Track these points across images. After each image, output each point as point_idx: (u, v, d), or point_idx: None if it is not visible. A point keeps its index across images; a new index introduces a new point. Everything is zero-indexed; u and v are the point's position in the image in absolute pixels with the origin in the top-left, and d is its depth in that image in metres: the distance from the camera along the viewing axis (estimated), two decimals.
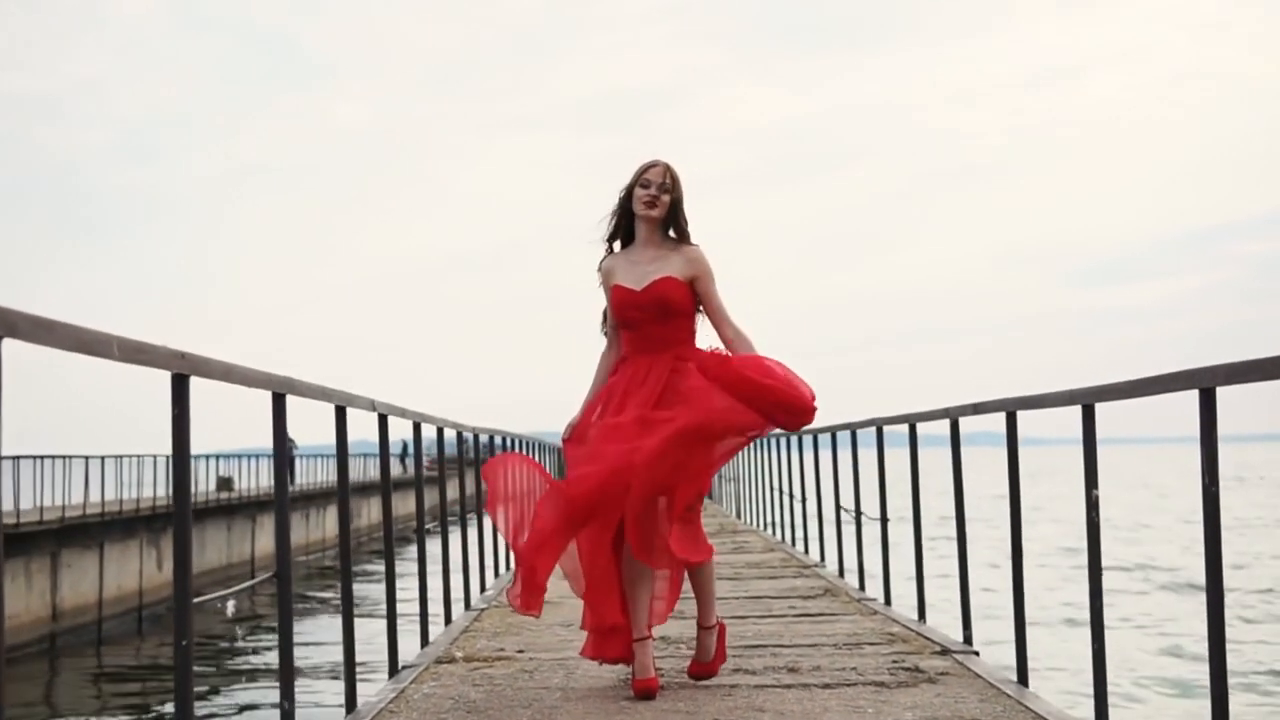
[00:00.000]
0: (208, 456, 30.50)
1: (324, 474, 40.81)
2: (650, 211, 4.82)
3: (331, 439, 5.08)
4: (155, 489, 25.45)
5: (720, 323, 4.88)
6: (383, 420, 5.85)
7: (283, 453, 4.01)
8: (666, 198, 4.83)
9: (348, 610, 4.93)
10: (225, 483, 31.20)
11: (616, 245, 4.98)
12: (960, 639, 6.05)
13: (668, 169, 4.85)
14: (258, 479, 34.38)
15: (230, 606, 22.02)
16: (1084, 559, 4.53)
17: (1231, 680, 3.49)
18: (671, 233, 4.90)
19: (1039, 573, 23.11)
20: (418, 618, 6.89)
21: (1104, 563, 4.42)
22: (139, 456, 25.36)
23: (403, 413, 6.18)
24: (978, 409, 5.72)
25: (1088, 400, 4.35)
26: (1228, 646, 3.42)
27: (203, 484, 29.54)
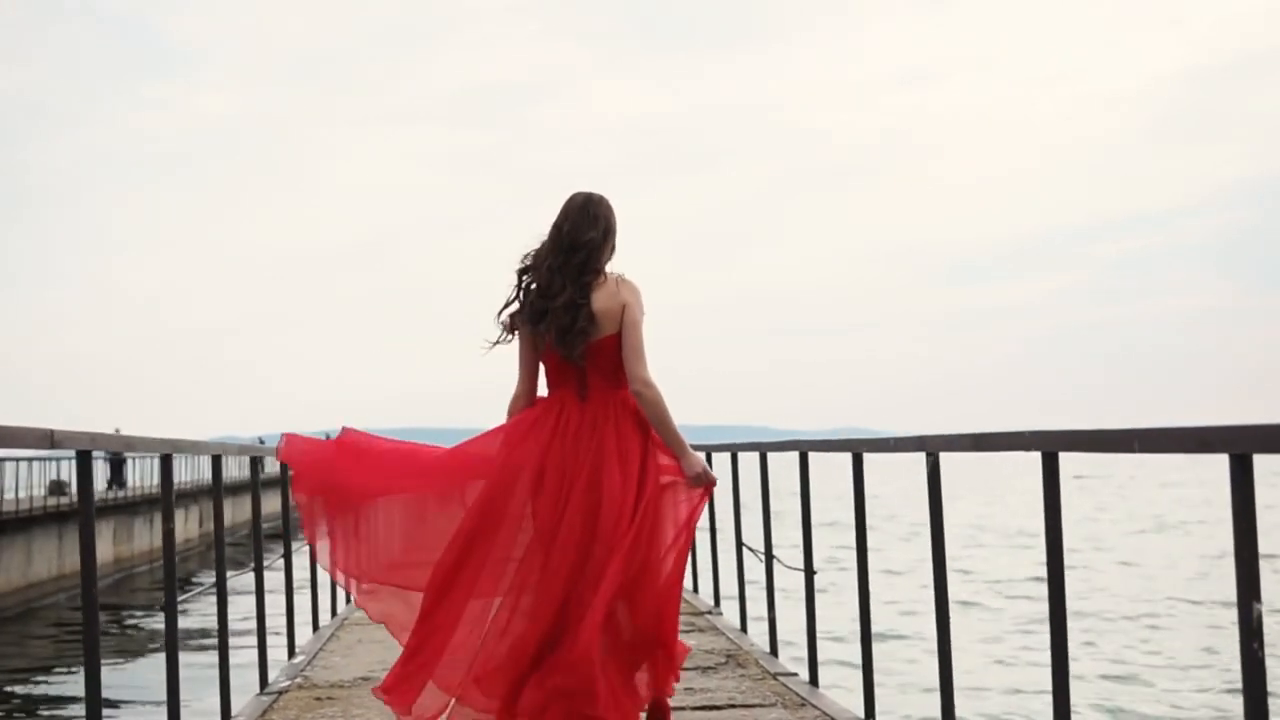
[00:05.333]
0: (42, 460, 27.64)
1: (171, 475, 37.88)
2: None
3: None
4: None
5: None
6: (83, 457, 3.89)
7: None
8: None
9: None
10: (58, 487, 28.42)
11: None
12: None
13: None
14: (96, 481, 31.66)
15: None
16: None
17: None
18: None
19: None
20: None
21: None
22: None
23: (148, 445, 4.20)
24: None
25: (1240, 447, 2.48)
26: None
27: (36, 489, 26.87)
